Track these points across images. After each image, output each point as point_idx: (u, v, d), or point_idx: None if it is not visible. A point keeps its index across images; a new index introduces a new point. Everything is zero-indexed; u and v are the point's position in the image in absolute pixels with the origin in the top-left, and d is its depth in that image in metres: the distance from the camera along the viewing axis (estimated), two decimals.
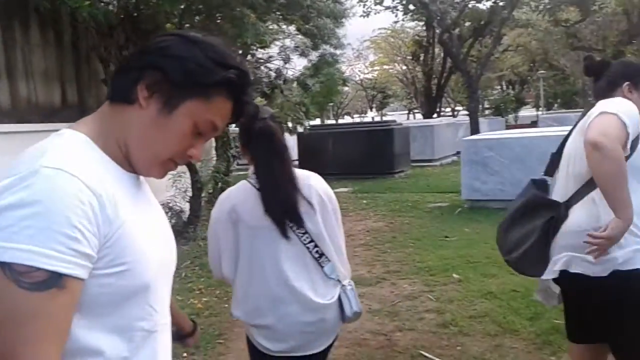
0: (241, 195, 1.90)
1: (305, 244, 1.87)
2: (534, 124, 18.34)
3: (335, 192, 2.05)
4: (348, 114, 41.48)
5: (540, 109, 29.24)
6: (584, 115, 2.13)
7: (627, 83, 2.10)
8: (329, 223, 1.92)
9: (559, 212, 2.01)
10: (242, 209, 1.87)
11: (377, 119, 34.21)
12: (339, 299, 1.92)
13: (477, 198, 8.01)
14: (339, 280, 1.94)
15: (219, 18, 7.03)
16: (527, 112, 30.10)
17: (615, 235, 1.82)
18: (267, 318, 1.88)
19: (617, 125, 1.84)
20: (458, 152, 13.35)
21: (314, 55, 8.95)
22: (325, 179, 2.04)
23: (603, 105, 1.93)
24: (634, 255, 1.88)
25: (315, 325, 1.89)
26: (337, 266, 1.93)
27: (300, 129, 9.23)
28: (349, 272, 2.03)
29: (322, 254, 1.89)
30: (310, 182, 1.93)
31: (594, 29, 25.03)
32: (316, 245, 1.88)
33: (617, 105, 1.90)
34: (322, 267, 1.90)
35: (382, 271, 5.31)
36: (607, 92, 2.11)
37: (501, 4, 18.91)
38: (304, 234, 1.87)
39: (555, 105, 29.98)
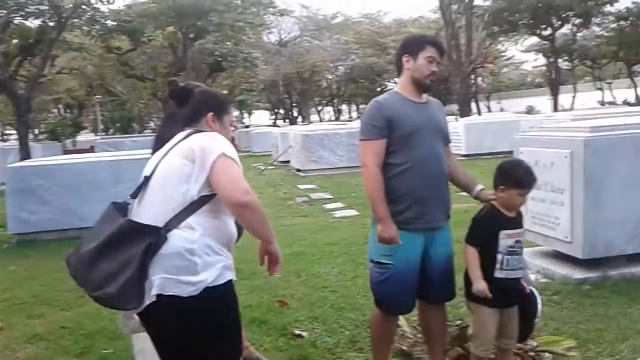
0: None
1: None
2: (92, 148, 18.12)
3: None
4: None
5: (98, 133, 29.27)
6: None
7: (211, 113, 2.21)
8: None
9: (158, 237, 1.92)
10: None
11: None
12: None
13: (26, 231, 7.25)
14: None
15: None
16: (86, 137, 29.64)
17: (278, 252, 2.19)
18: None
19: (240, 171, 2.01)
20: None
21: None
22: None
23: (212, 142, 2.02)
24: (222, 272, 2.00)
25: None
26: None
27: None
28: None
29: None
30: None
31: (145, 59, 26.69)
32: None
33: (225, 146, 2.02)
34: None
35: None
36: (192, 119, 2.20)
37: (51, 24, 18.08)
38: None
39: (112, 130, 30.53)
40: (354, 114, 56.54)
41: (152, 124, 34.44)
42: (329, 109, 55.35)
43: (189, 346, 2.04)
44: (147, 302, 1.93)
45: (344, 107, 57.70)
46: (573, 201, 4.34)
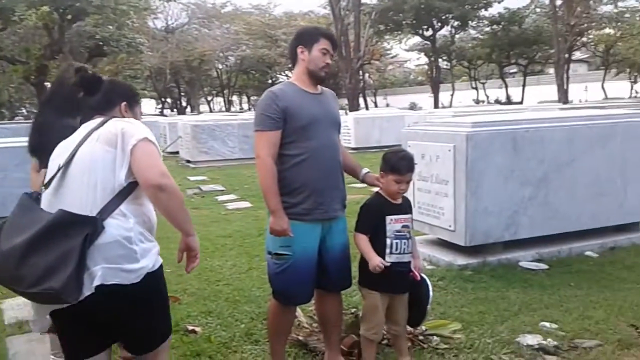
0: None
1: None
2: None
3: None
4: None
5: None
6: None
7: (124, 103, 2.25)
8: None
9: (95, 227, 1.90)
10: None
11: None
12: None
13: None
14: None
15: None
16: None
17: (197, 246, 2.17)
18: None
19: (159, 156, 2.05)
20: None
21: None
22: None
23: (133, 127, 2.04)
24: (157, 257, 2.07)
25: None
26: None
27: None
28: None
29: None
30: None
31: (16, 40, 24.52)
32: None
33: (146, 131, 2.05)
34: None
35: None
36: (106, 108, 2.21)
37: None
38: None
39: None
40: (245, 105, 56.10)
41: (24, 111, 31.78)
42: (220, 99, 54.44)
43: (120, 331, 2.08)
44: (87, 293, 1.88)
45: (235, 98, 57.03)
46: (456, 192, 4.60)
